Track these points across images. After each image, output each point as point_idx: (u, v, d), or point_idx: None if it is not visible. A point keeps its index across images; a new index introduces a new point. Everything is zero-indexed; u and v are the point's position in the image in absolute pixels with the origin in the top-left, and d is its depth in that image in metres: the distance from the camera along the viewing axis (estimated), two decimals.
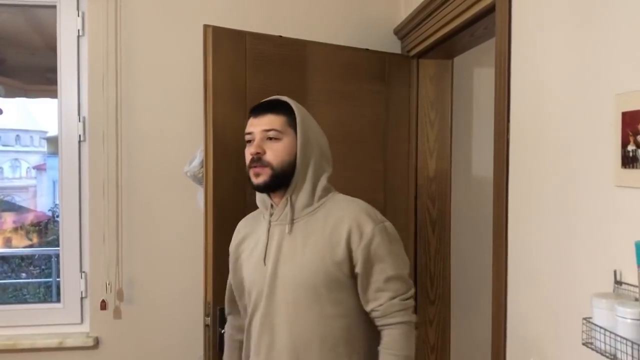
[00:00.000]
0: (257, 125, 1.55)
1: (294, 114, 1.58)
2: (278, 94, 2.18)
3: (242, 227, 1.74)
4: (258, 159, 1.53)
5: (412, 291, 1.57)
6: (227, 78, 2.02)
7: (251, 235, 1.66)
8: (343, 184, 2.27)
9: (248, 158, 1.57)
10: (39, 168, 7.32)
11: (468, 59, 2.58)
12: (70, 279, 2.40)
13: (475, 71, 2.69)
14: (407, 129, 2.47)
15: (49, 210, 5.88)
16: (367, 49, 2.35)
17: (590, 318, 1.07)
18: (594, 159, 1.18)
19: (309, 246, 1.52)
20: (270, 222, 1.59)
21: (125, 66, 2.36)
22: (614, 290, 1.09)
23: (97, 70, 2.35)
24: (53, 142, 2.48)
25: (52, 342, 2.32)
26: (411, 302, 1.55)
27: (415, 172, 2.49)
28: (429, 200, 2.52)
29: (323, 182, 1.60)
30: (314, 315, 1.50)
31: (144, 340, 2.41)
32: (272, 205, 1.60)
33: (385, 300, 1.50)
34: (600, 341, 1.03)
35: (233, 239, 1.73)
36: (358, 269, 1.51)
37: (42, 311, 2.44)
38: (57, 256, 2.46)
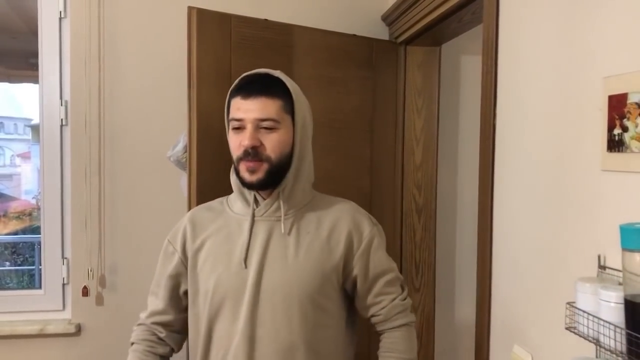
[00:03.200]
0: (249, 112, 1.33)
1: (290, 95, 1.38)
2: None
3: (199, 222, 1.48)
4: (254, 153, 1.34)
5: (406, 291, 1.52)
6: (212, 61, 1.99)
7: (217, 234, 1.44)
8: (329, 170, 2.27)
9: (238, 149, 1.37)
10: (23, 156, 7.22)
11: (455, 47, 2.58)
12: (51, 266, 2.37)
13: (462, 59, 2.69)
14: (394, 116, 2.46)
15: (33, 198, 5.81)
16: (355, 35, 2.33)
17: (573, 302, 1.06)
18: (580, 143, 1.17)
19: (303, 248, 1.38)
20: (253, 217, 1.42)
21: (108, 49, 2.31)
22: (597, 275, 1.08)
23: (80, 53, 2.30)
24: (37, 130, 2.44)
25: (33, 328, 2.29)
26: (409, 301, 1.51)
27: (401, 160, 2.48)
28: (415, 188, 2.51)
29: (312, 175, 1.49)
30: (303, 325, 1.36)
31: (126, 326, 2.33)
32: (255, 198, 1.42)
33: (387, 303, 1.45)
34: (583, 325, 1.02)
35: (180, 234, 1.47)
36: (357, 273, 1.43)
37: (23, 297, 2.41)
38: (40, 244, 2.42)
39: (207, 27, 1.97)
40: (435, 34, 2.30)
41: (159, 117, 2.35)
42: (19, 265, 4.84)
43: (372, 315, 1.48)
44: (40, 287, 2.40)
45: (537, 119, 1.35)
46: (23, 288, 4.60)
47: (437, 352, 2.57)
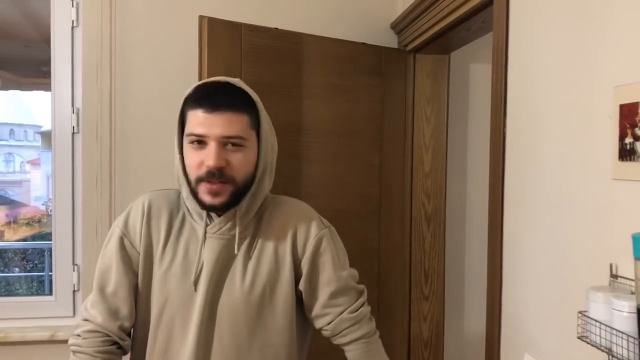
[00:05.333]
0: (214, 127, 1.21)
1: (254, 107, 1.27)
2: (273, 87, 2.17)
3: (156, 215, 1.34)
4: (220, 174, 1.22)
5: (362, 298, 1.40)
6: (222, 70, 2.00)
7: (176, 240, 1.33)
8: (339, 178, 2.28)
9: (199, 168, 1.24)
10: (33, 163, 7.27)
11: (464, 55, 2.58)
12: (62, 272, 2.38)
13: (471, 67, 2.69)
14: (403, 124, 2.46)
15: (43, 204, 5.85)
16: (364, 43, 2.34)
17: (585, 312, 1.06)
18: (591, 152, 1.17)
19: (251, 266, 1.31)
20: (205, 236, 1.31)
21: (120, 57, 2.33)
22: (609, 284, 1.08)
23: (92, 61, 2.32)
24: (47, 136, 2.46)
25: (44, 335, 2.30)
26: (363, 310, 1.38)
27: (410, 167, 2.48)
28: (424, 195, 2.51)
29: (271, 184, 1.38)
30: (251, 347, 1.30)
31: None
32: (208, 214, 1.31)
33: (333, 317, 1.36)
34: (595, 335, 1.02)
35: (138, 226, 1.33)
36: (302, 283, 1.35)
37: (33, 304, 2.42)
38: (50, 250, 2.44)
39: (218, 36, 1.99)
40: (444, 42, 2.30)
41: (170, 125, 2.33)
42: (29, 271, 4.87)
43: (321, 329, 1.40)
44: (50, 294, 2.41)
45: (547, 128, 1.35)
46: (32, 294, 4.62)
47: (446, 359, 2.57)
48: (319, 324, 1.40)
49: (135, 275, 1.34)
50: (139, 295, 1.34)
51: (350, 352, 1.39)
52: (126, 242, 1.34)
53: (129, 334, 1.38)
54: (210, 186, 1.23)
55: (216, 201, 1.25)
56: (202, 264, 1.30)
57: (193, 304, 1.29)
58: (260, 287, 1.31)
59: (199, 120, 1.22)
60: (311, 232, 1.36)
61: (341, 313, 1.37)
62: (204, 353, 1.29)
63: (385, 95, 2.39)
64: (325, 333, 1.41)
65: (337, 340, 1.39)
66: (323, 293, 1.36)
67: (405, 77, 2.46)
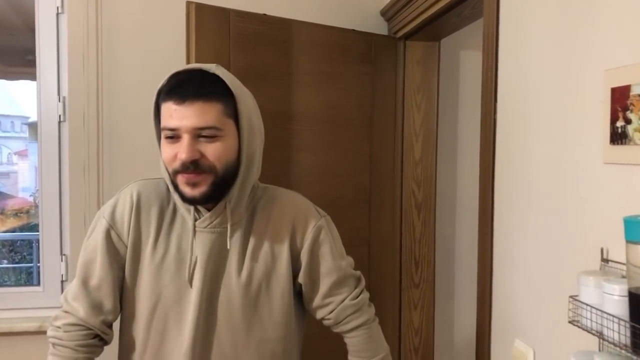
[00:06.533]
0: (185, 119, 1.15)
1: (231, 93, 1.20)
2: (263, 74, 2.15)
3: (146, 207, 1.29)
4: (195, 165, 1.17)
5: (361, 284, 1.40)
6: (211, 56, 1.98)
7: (168, 234, 1.29)
8: (329, 166, 2.26)
9: (174, 162, 1.19)
10: (20, 154, 7.20)
11: (454, 42, 2.57)
12: (50, 262, 2.36)
13: (461, 54, 2.68)
14: (393, 112, 2.45)
15: (30, 195, 5.79)
16: (354, 30, 2.32)
17: (576, 296, 1.06)
18: (582, 136, 1.16)
19: (247, 259, 1.28)
20: (194, 231, 1.27)
21: (106, 44, 2.30)
22: (600, 268, 1.08)
23: (77, 48, 2.29)
24: (34, 127, 2.42)
25: (31, 325, 2.28)
26: (363, 297, 1.39)
27: (401, 155, 2.47)
28: (414, 183, 2.50)
29: (259, 172, 1.33)
30: (249, 342, 1.28)
31: None
32: (196, 208, 1.27)
33: (335, 306, 1.35)
34: (586, 319, 1.02)
35: (127, 218, 1.28)
36: (301, 275, 1.33)
37: (21, 294, 2.39)
38: (38, 241, 2.41)
39: (206, 22, 1.96)
40: (434, 28, 2.29)
41: None
42: (17, 263, 4.82)
43: (322, 319, 1.39)
44: (38, 284, 2.39)
45: (538, 113, 1.34)
46: (21, 286, 4.58)
47: (437, 347, 2.57)
48: (320, 314, 1.39)
49: (121, 268, 1.29)
50: (125, 289, 1.30)
51: (352, 339, 1.39)
52: (113, 234, 1.29)
53: (111, 327, 1.34)
54: (188, 176, 1.18)
55: (196, 192, 1.20)
56: (196, 259, 1.26)
57: (188, 300, 1.26)
58: (257, 281, 1.28)
59: (169, 113, 1.17)
60: (309, 223, 1.33)
61: (343, 301, 1.36)
62: (201, 349, 1.27)
63: (375, 83, 2.38)
64: (327, 322, 1.40)
65: (339, 328, 1.39)
66: (324, 284, 1.35)
67: (396, 65, 2.45)
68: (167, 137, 1.19)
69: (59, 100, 2.33)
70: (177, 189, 1.23)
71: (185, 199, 1.22)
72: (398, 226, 2.49)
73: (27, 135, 7.16)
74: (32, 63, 2.42)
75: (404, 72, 2.45)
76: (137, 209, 1.28)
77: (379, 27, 2.49)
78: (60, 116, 2.33)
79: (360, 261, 2.43)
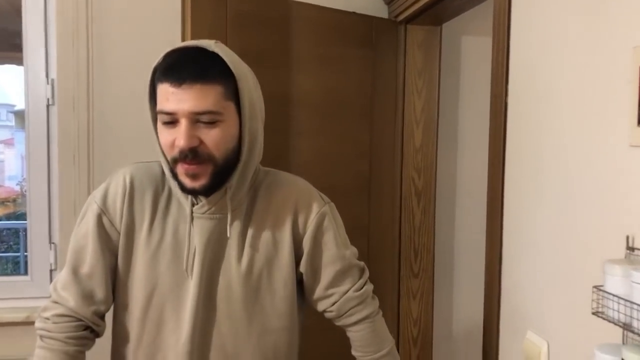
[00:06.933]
0: (182, 103, 1.08)
1: (231, 72, 1.13)
2: (260, 56, 2.06)
3: (139, 192, 1.23)
4: (194, 154, 1.11)
5: (365, 275, 1.34)
6: (207, 37, 1.89)
7: (163, 219, 1.23)
8: (327, 152, 2.20)
9: (172, 149, 1.13)
10: (6, 143, 7.07)
11: (455, 27, 2.51)
12: (38, 251, 2.28)
13: (462, 39, 2.62)
14: (393, 98, 2.39)
15: (17, 184, 5.69)
16: (354, 12, 2.25)
17: (601, 286, 1.00)
18: (606, 117, 1.11)
19: (248, 246, 1.22)
20: (192, 213, 1.21)
21: (97, 23, 2.20)
22: (626, 257, 1.03)
23: (67, 28, 2.19)
24: (21, 115, 2.34)
25: (19, 316, 2.20)
26: (367, 288, 1.33)
27: (401, 142, 2.41)
28: (414, 171, 2.44)
29: (261, 155, 1.26)
30: (250, 333, 1.23)
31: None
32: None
33: (338, 297, 1.30)
34: (613, 310, 0.96)
35: (119, 202, 1.22)
36: (303, 263, 1.28)
37: (8, 284, 2.31)
38: (26, 230, 2.33)
39: (202, 2, 1.88)
40: (436, 12, 2.23)
41: None
42: (3, 252, 4.74)
43: (325, 311, 1.33)
44: (26, 274, 2.31)
45: (557, 94, 1.28)
46: (7, 275, 4.49)
47: (435, 337, 2.53)
48: (322, 306, 1.33)
49: (114, 256, 1.24)
50: (119, 278, 1.24)
51: (355, 333, 1.33)
52: (105, 220, 1.23)
53: (103, 318, 1.28)
54: (187, 166, 1.12)
55: (197, 184, 1.14)
56: (194, 247, 1.20)
57: (186, 288, 1.20)
58: (258, 269, 1.23)
59: (165, 96, 1.10)
60: (312, 209, 1.27)
61: (346, 292, 1.30)
62: (201, 340, 1.21)
63: (375, 67, 2.31)
64: (329, 315, 1.34)
65: (342, 321, 1.34)
66: (327, 273, 1.29)
67: (396, 49, 2.38)
68: (164, 122, 1.12)
69: (47, 83, 2.24)
70: (176, 177, 1.17)
71: (184, 189, 1.17)
72: (397, 214, 2.43)
73: (13, 123, 7.04)
74: (18, 47, 2.33)
75: (405, 57, 2.39)
76: (130, 194, 1.22)
77: (379, 11, 2.42)
78: (48, 99, 2.24)
79: (359, 250, 2.37)
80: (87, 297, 1.23)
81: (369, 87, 2.30)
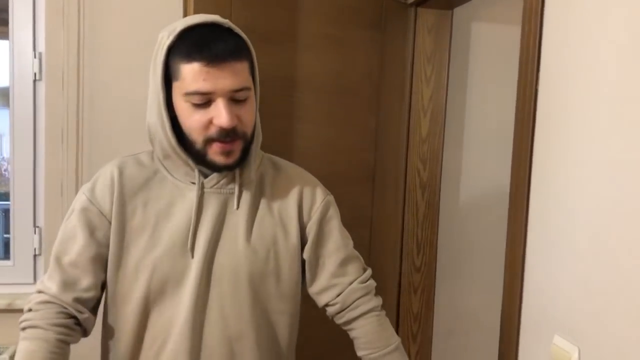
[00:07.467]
0: (220, 82, 1.08)
1: (249, 50, 1.17)
2: (266, 35, 1.95)
3: (130, 181, 1.22)
4: (233, 132, 1.13)
5: (369, 270, 1.35)
6: (210, 12, 1.77)
7: (154, 202, 1.21)
8: (332, 140, 2.09)
9: (207, 129, 1.12)
10: None
11: (465, 13, 2.41)
12: (22, 235, 2.14)
13: (473, 26, 2.51)
14: (401, 84, 2.28)
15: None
16: None
17: None
18: None
19: (255, 226, 1.22)
20: (202, 188, 1.20)
21: None
22: None
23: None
24: (4, 93, 2.19)
25: (1, 303, 2.07)
26: (371, 282, 1.34)
27: (407, 131, 2.31)
28: (419, 162, 2.35)
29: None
30: (254, 312, 1.22)
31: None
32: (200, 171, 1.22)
33: (342, 288, 1.28)
34: None
35: (108, 193, 1.21)
36: (307, 250, 1.28)
37: None
38: (7, 211, 2.19)
39: None
40: None
41: (146, 73, 2.11)
42: None
43: (327, 305, 1.31)
44: (8, 258, 2.18)
45: (600, 82, 1.18)
46: None
47: (435, 333, 2.45)
48: (325, 298, 1.31)
49: (103, 245, 1.22)
50: (110, 267, 1.22)
51: (361, 327, 1.29)
52: (93, 208, 1.21)
53: (89, 307, 1.24)
54: (224, 146, 1.14)
55: (230, 161, 1.16)
56: (199, 225, 1.20)
57: (189, 266, 1.19)
58: (264, 250, 1.23)
59: (201, 76, 1.08)
60: (317, 196, 1.30)
61: (351, 283, 1.30)
62: (202, 320, 1.20)
63: (384, 51, 2.20)
64: (332, 309, 1.30)
65: (346, 316, 1.30)
66: (331, 261, 1.30)
67: (406, 33, 2.27)
68: (196, 103, 1.11)
69: (35, 57, 2.10)
70: (204, 158, 1.16)
71: (216, 168, 1.18)
72: (401, 206, 2.34)
73: None
74: (4, 22, 2.18)
75: (414, 42, 2.28)
76: (120, 182, 1.22)
77: None
78: (35, 74, 2.10)
79: (361, 242, 2.26)
80: (70, 284, 1.21)
81: (377, 72, 2.19)
